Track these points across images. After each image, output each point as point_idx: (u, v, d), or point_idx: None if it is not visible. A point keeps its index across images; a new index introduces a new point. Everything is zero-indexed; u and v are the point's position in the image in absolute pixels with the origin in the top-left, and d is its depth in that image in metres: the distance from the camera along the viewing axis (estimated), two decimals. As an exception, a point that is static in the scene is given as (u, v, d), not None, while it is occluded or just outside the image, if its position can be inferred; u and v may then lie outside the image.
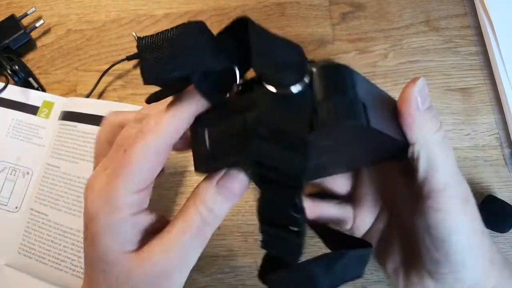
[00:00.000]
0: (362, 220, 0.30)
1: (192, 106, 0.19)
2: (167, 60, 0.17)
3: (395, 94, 0.42)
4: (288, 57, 0.17)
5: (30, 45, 0.44)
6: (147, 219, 0.21)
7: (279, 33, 0.38)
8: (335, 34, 0.42)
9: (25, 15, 0.43)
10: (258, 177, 0.20)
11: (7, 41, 0.42)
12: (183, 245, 0.21)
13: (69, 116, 0.40)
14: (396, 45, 0.41)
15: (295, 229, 0.20)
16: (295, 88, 0.16)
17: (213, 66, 0.18)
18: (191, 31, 0.17)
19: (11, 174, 0.39)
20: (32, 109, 0.41)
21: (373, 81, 0.40)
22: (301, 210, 0.19)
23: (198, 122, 0.20)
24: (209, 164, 0.20)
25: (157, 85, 0.18)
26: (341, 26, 0.42)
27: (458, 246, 0.24)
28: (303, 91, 0.16)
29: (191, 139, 0.20)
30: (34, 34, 0.44)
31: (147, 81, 0.17)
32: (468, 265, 0.24)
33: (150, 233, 0.21)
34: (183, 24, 0.17)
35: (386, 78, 0.40)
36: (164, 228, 0.21)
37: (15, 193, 0.39)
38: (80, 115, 0.40)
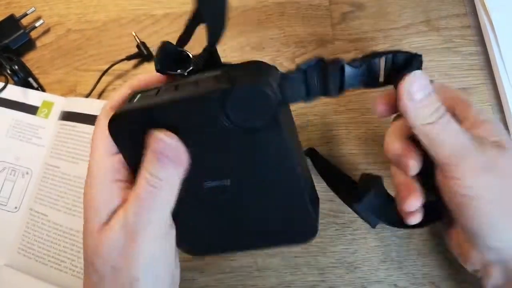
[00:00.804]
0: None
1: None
2: None
3: (395, 94, 0.41)
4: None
5: (29, 45, 0.44)
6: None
7: (279, 33, 0.40)
8: (335, 34, 0.42)
9: (25, 14, 0.43)
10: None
11: (6, 41, 0.42)
12: (139, 207, 0.23)
13: (68, 116, 0.40)
14: (396, 45, 0.41)
15: None
16: None
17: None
18: None
19: (10, 174, 0.39)
20: (31, 109, 0.41)
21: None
22: None
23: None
24: None
25: None
26: (341, 26, 0.42)
27: (484, 212, 0.24)
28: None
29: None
30: (33, 34, 0.44)
31: None
32: (505, 233, 0.25)
33: None
34: None
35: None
36: None
37: (15, 193, 0.39)
38: (79, 115, 0.40)
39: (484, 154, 0.25)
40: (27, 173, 0.39)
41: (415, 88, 0.25)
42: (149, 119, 0.22)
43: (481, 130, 0.26)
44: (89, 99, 0.41)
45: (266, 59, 0.41)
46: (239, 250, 0.28)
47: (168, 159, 0.22)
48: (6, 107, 0.41)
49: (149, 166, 0.23)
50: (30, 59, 0.44)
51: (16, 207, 0.38)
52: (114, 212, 0.24)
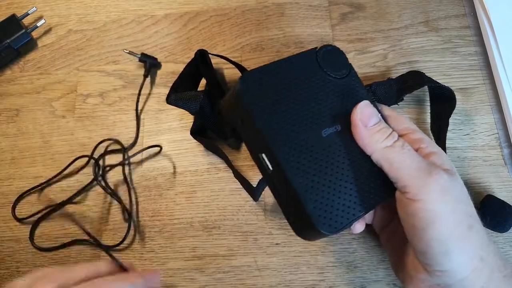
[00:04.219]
0: (380, 219, 0.33)
1: None
2: None
3: (394, 94, 0.41)
4: None
5: (31, 45, 0.44)
6: None
7: (279, 33, 0.40)
8: (334, 34, 0.42)
9: (26, 14, 0.43)
10: None
11: (8, 41, 0.42)
12: None
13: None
14: (395, 45, 0.41)
15: None
16: None
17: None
18: None
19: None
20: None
21: (372, 81, 0.40)
22: None
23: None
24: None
25: None
26: (341, 27, 0.42)
27: (438, 235, 0.25)
28: None
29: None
30: (35, 34, 0.44)
31: None
32: (454, 257, 0.25)
33: None
34: None
35: (386, 78, 0.40)
36: None
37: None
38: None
39: (441, 178, 0.26)
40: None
41: (366, 116, 0.28)
42: (277, 74, 0.29)
43: (433, 159, 0.28)
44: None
45: (265, 59, 0.41)
46: (363, 211, 0.28)
47: None
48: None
49: None
50: (32, 59, 0.44)
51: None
52: None
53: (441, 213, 0.25)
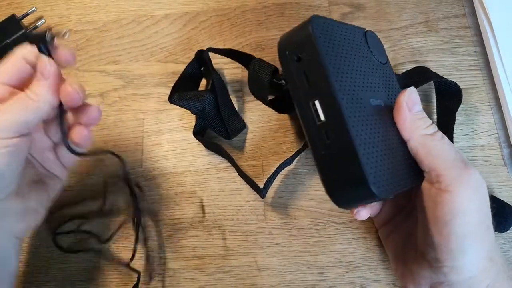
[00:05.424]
0: (384, 213, 0.33)
1: None
2: None
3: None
4: None
5: (30, 45, 0.44)
6: None
7: (279, 34, 0.40)
8: (334, 34, 0.42)
9: (26, 14, 0.43)
10: None
11: (8, 41, 0.42)
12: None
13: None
14: (395, 45, 0.41)
15: None
16: None
17: None
18: None
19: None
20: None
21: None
22: None
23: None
24: None
25: None
26: (341, 27, 0.42)
27: (460, 230, 0.25)
28: None
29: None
30: (34, 35, 0.44)
31: None
32: (468, 255, 0.25)
33: None
34: None
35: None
36: None
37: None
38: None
39: (475, 175, 0.26)
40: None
41: (412, 101, 0.28)
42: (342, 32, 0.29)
43: None
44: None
45: (266, 59, 0.41)
46: (410, 184, 0.27)
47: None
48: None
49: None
50: (31, 60, 0.44)
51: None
52: None
53: (468, 208, 0.25)
